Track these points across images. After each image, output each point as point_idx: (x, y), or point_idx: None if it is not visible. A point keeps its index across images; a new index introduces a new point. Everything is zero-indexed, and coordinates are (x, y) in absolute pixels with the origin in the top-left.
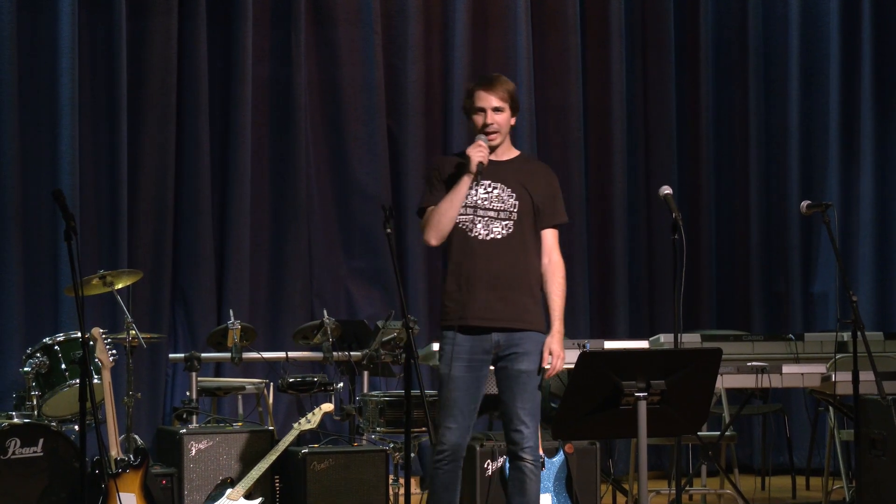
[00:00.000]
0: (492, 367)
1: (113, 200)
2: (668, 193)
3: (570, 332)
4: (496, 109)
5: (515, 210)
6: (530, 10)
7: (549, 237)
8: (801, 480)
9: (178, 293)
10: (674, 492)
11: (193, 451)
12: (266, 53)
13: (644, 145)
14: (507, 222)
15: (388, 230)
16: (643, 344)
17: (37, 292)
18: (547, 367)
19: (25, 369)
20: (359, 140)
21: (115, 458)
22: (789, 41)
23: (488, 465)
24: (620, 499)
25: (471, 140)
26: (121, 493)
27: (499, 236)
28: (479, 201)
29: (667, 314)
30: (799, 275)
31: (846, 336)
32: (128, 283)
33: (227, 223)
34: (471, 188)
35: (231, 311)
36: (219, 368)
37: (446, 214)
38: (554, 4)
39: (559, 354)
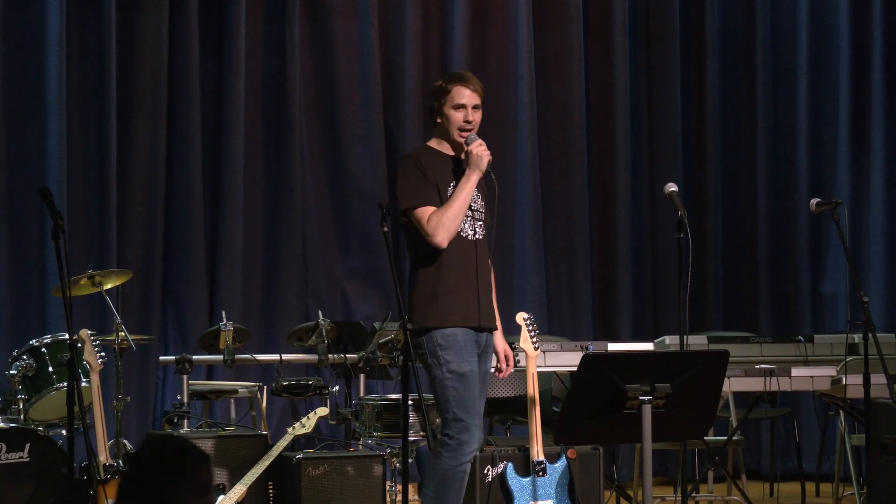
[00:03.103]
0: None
1: (102, 198)
2: (673, 191)
3: (573, 334)
4: (476, 107)
5: (485, 212)
6: (531, 3)
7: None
8: (810, 486)
9: (169, 294)
10: (679, 498)
11: None
12: (259, 47)
13: (648, 141)
14: (480, 223)
15: (385, 229)
16: (648, 346)
17: (23, 293)
18: (504, 367)
19: (11, 372)
20: (355, 136)
21: (104, 464)
22: (798, 33)
23: (488, 470)
24: None
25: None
26: (109, 500)
27: (479, 237)
28: None
29: (672, 315)
30: (808, 275)
31: (857, 338)
32: (117, 284)
33: (219, 222)
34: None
35: (223, 312)
36: (211, 371)
37: (459, 215)
38: None
39: (511, 353)
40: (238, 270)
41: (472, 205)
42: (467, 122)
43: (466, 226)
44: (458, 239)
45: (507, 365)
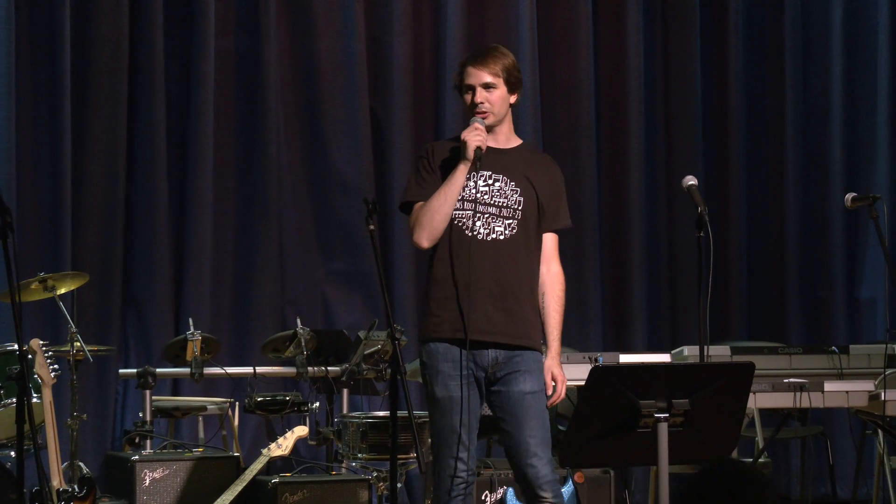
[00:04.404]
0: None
1: (55, 192)
2: (692, 185)
3: (581, 344)
4: (487, 86)
5: (520, 208)
6: None
7: (550, 242)
8: None
9: (130, 299)
10: None
11: (147, 481)
12: (231, 24)
13: (665, 130)
14: (510, 221)
15: (372, 227)
16: (664, 358)
17: None
18: (550, 394)
19: None
20: (337, 124)
21: (58, 489)
22: (831, 10)
23: (486, 496)
24: None
25: (465, 123)
26: None
27: (501, 237)
28: (478, 195)
29: (691, 323)
30: (843, 278)
31: None
32: (72, 288)
33: (186, 219)
34: (468, 179)
35: (190, 320)
36: (176, 386)
37: (440, 211)
38: None
39: (563, 379)
40: (207, 274)
41: (497, 200)
42: (475, 104)
43: (479, 224)
44: (462, 238)
45: (555, 392)
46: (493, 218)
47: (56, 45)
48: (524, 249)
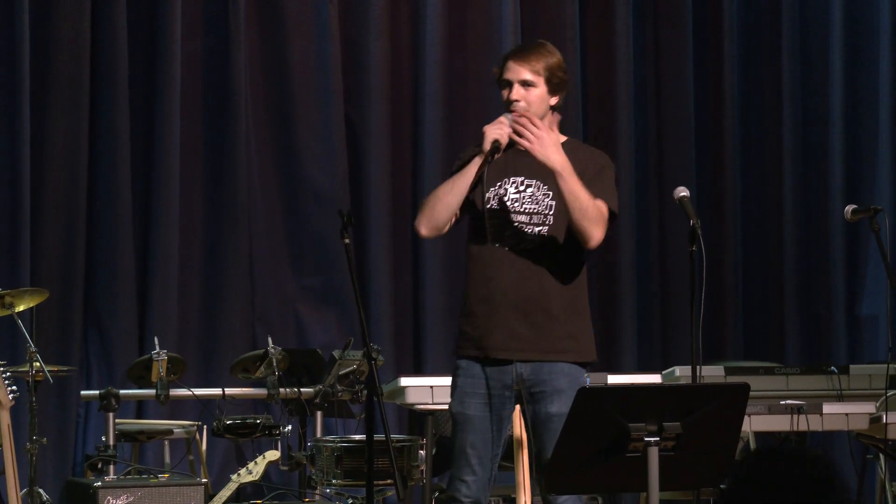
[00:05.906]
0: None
1: (12, 204)
2: (684, 196)
3: None
4: (525, 83)
5: (551, 213)
6: None
7: None
8: None
9: (92, 317)
10: None
11: None
12: (199, 26)
13: (655, 138)
14: (540, 228)
15: (347, 240)
16: (655, 378)
17: None
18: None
19: None
20: (311, 131)
21: None
22: (830, 11)
23: None
24: None
25: (446, 131)
26: None
27: (530, 246)
28: (508, 202)
29: (683, 342)
30: (843, 294)
31: None
32: (30, 305)
33: (151, 232)
34: (498, 186)
35: (156, 339)
36: (141, 408)
37: (442, 199)
38: None
39: (547, 142)
40: (173, 289)
41: (528, 207)
42: (509, 101)
43: (507, 233)
44: (488, 250)
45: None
46: (523, 226)
47: (14, 47)
48: (558, 257)
